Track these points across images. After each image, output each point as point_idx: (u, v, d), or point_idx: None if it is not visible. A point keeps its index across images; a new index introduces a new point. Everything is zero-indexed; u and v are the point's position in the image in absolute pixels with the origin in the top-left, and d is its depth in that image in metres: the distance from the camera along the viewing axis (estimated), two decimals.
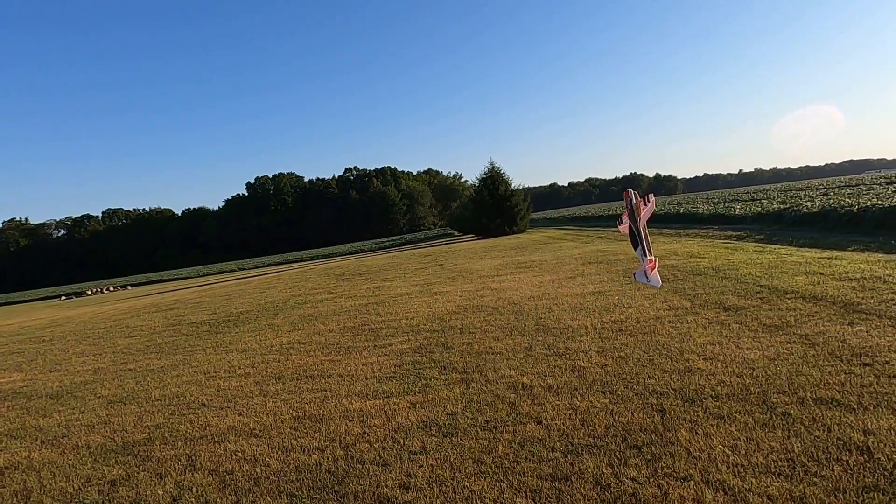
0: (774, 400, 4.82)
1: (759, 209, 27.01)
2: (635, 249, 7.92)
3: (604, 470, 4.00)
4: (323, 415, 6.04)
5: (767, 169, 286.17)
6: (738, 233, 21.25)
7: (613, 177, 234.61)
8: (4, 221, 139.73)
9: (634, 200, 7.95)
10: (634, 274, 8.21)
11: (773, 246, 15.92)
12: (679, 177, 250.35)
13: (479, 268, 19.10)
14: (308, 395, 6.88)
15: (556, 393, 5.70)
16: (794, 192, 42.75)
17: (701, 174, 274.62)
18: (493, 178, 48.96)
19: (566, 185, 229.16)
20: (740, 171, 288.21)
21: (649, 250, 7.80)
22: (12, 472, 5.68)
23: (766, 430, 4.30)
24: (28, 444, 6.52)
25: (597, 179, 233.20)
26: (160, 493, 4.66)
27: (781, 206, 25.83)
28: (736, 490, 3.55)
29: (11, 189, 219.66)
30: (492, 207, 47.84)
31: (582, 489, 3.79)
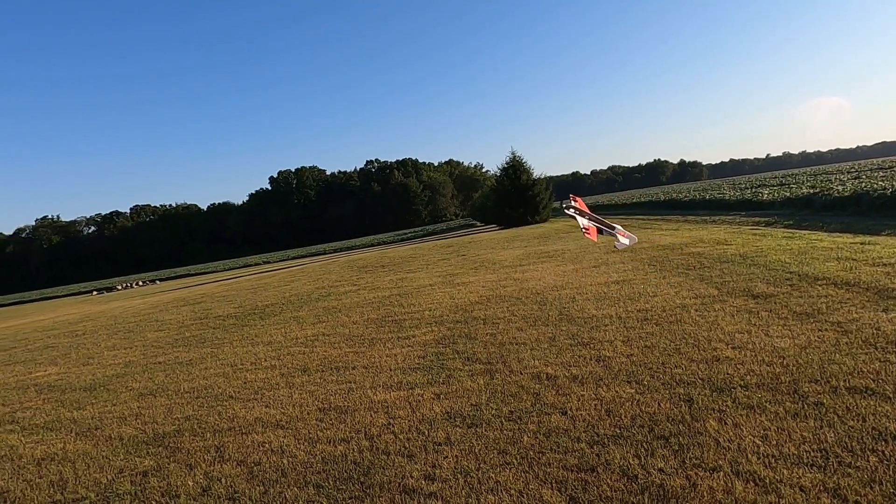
0: (806, 389, 4.71)
1: (788, 194, 26.41)
2: (602, 233, 8.64)
3: (630, 461, 3.95)
4: (348, 406, 6.09)
5: (796, 153, 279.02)
6: (767, 219, 20.81)
7: (637, 164, 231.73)
8: (37, 219, 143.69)
9: (574, 202, 8.68)
10: (616, 246, 8.82)
11: (803, 231, 15.56)
12: (704, 162, 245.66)
13: (502, 258, 19.03)
14: (333, 386, 6.93)
15: (581, 383, 5.65)
16: (824, 175, 41.69)
17: (727, 159, 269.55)
18: (515, 168, 48.69)
19: (589, 173, 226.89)
20: (768, 155, 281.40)
21: (611, 226, 8.55)
22: (49, 462, 5.84)
23: (798, 419, 4.21)
24: (63, 436, 6.69)
25: (620, 167, 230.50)
26: (190, 483, 4.75)
27: (811, 191, 25.22)
28: (767, 481, 3.48)
29: (43, 188, 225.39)
30: (514, 197, 47.62)
31: (608, 480, 3.76)
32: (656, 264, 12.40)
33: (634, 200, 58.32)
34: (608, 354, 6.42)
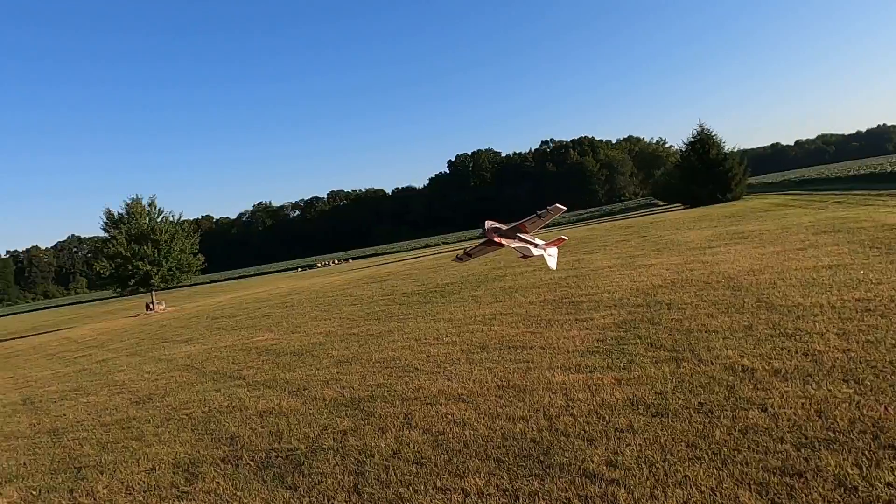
0: None
1: None
2: (532, 252, 7.46)
3: (848, 470, 3.48)
4: (526, 385, 6.16)
5: None
6: None
7: (854, 131, 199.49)
8: (254, 205, 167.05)
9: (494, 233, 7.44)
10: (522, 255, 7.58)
11: None
12: None
13: (688, 239, 17.75)
14: (511, 365, 7.06)
15: (785, 378, 5.08)
16: None
17: None
18: (703, 142, 44.87)
19: (792, 143, 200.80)
20: None
21: (535, 243, 7.40)
22: (268, 415, 6.75)
23: None
24: (278, 394, 7.68)
25: (831, 136, 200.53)
26: (382, 445, 5.17)
27: None
28: None
29: (259, 178, 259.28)
30: (701, 173, 43.96)
31: (820, 489, 3.34)
32: (881, 246, 10.66)
33: (851, 173, 50.61)
34: (818, 348, 5.69)
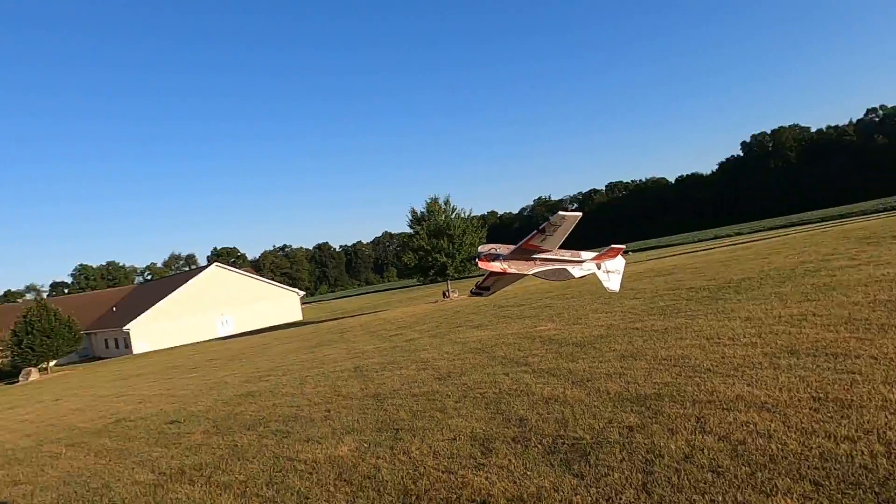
0: None
1: None
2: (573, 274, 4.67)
3: None
4: (852, 400, 5.20)
5: None
6: None
7: None
8: (534, 199, 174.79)
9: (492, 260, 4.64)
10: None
11: None
12: None
13: None
14: (829, 374, 6.04)
15: None
16: None
17: None
18: None
19: None
20: None
21: (578, 260, 4.61)
22: (553, 402, 6.98)
23: None
24: (562, 383, 7.87)
25: None
26: (672, 447, 4.92)
27: None
28: None
29: (538, 174, 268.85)
30: None
31: None
32: None
33: None
34: None
